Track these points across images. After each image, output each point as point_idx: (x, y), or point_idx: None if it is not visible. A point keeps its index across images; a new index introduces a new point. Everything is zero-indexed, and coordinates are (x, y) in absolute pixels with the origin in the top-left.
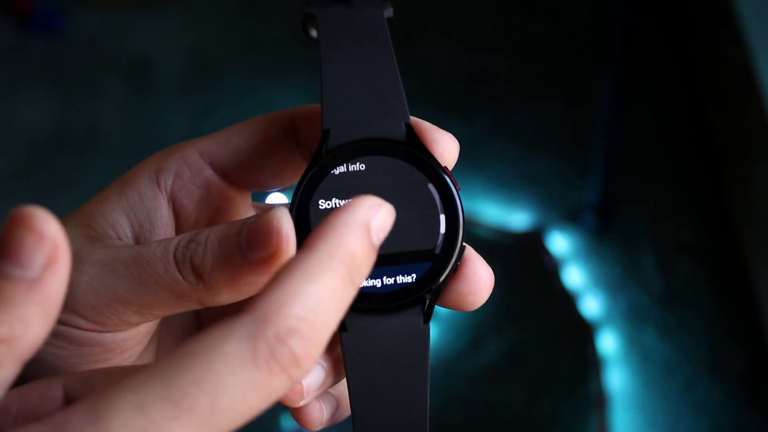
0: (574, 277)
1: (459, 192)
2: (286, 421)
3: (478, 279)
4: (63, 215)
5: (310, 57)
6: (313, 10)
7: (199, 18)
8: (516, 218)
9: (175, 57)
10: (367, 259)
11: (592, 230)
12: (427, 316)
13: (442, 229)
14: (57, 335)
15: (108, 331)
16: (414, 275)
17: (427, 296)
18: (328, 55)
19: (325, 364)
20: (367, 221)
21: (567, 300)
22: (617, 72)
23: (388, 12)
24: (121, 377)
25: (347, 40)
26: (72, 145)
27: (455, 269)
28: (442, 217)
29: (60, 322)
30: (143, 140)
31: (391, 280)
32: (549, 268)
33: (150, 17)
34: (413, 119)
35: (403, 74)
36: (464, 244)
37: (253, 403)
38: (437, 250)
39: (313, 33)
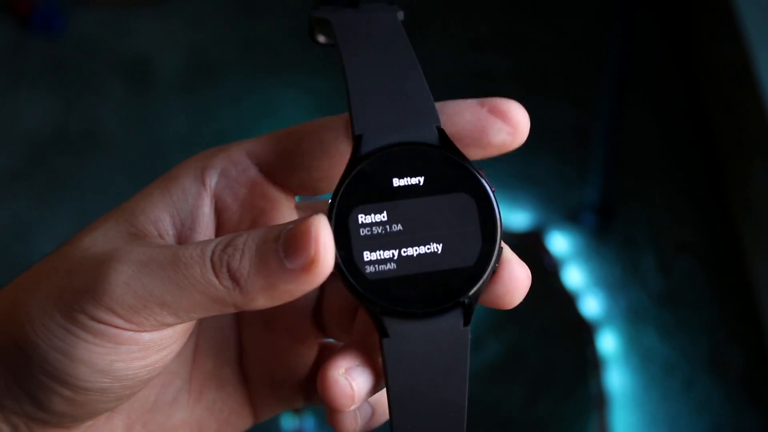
0: (574, 277)
1: (495, 193)
2: (286, 422)
3: (514, 280)
4: (63, 215)
5: (310, 57)
6: (325, 15)
7: (199, 18)
8: (516, 218)
9: (175, 57)
10: None
11: (592, 230)
12: (467, 318)
13: (480, 232)
14: (95, 333)
15: (145, 331)
16: (454, 279)
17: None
18: (350, 60)
19: (373, 372)
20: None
21: (567, 300)
22: (617, 72)
23: (400, 15)
24: None
25: (368, 44)
26: (72, 145)
27: (494, 271)
28: (480, 220)
29: (98, 320)
30: (143, 140)
31: (432, 284)
32: (549, 268)
33: (150, 17)
34: (487, 99)
35: None
36: (502, 245)
37: None
38: (476, 253)
39: (321, 38)
